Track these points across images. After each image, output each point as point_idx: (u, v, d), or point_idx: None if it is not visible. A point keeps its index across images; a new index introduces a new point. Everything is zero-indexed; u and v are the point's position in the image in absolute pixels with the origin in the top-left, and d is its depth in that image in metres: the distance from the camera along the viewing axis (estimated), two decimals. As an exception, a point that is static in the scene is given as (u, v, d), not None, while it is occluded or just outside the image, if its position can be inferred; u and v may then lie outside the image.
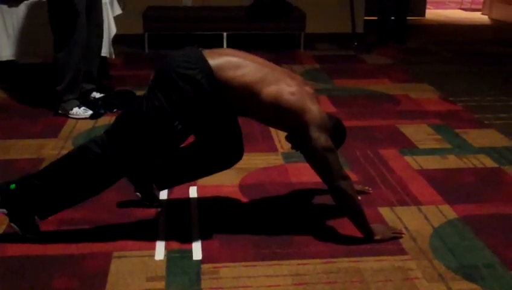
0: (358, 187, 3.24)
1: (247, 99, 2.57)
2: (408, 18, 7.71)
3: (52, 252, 2.63)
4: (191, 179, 3.08)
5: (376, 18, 7.42)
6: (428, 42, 7.58)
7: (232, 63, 2.57)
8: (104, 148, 2.58)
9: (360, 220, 2.73)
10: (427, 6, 9.66)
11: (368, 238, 2.73)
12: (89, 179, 2.63)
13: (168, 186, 3.07)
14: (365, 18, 7.64)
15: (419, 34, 8.08)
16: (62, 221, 2.88)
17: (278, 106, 2.57)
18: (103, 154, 2.57)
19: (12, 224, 2.70)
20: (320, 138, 2.58)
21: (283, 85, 2.60)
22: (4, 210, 2.67)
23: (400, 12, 7.29)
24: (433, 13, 9.92)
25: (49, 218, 2.79)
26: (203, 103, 2.53)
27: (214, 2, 7.28)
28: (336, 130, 2.74)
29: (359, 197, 3.11)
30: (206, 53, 2.58)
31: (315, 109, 2.62)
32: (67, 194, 2.68)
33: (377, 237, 2.74)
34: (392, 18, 7.34)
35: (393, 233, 2.79)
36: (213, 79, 2.51)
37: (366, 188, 3.27)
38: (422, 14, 9.33)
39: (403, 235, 2.79)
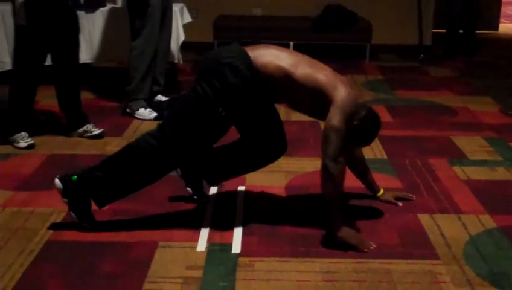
0: (401, 194, 3.32)
1: (282, 81, 2.75)
2: (480, 31, 7.64)
3: (103, 239, 2.85)
4: (239, 173, 3.23)
5: (444, 31, 7.40)
6: (498, 56, 7.48)
7: (270, 53, 2.80)
8: (158, 139, 2.81)
9: (333, 207, 2.77)
10: (501, 19, 9.50)
11: (332, 230, 2.79)
12: (145, 168, 2.87)
13: (218, 181, 3.26)
14: (433, 30, 7.62)
15: (490, 47, 7.97)
16: (115, 212, 3.10)
17: (310, 83, 2.74)
18: (158, 145, 2.81)
19: (71, 213, 2.94)
20: (335, 117, 2.69)
21: (318, 69, 2.79)
22: (65, 199, 2.91)
23: (468, 26, 7.25)
24: (506, 27, 9.73)
25: (104, 208, 3.03)
26: (243, 88, 2.73)
27: (282, 13, 7.45)
28: (368, 120, 2.80)
29: (400, 203, 3.22)
30: (246, 48, 2.81)
31: (344, 90, 2.73)
32: (125, 183, 2.91)
33: (340, 234, 2.76)
34: (461, 31, 7.30)
35: (358, 243, 2.77)
36: (251, 65, 2.73)
37: (410, 195, 3.33)
38: (495, 27, 9.19)
39: (370, 248, 2.77)
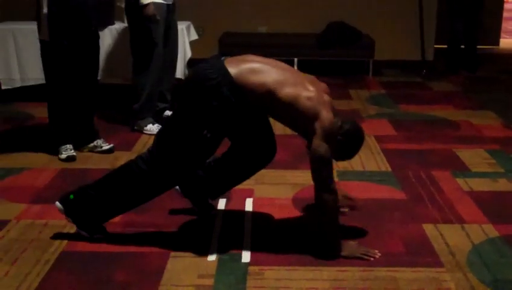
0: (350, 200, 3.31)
1: (265, 99, 2.73)
2: (481, 47, 7.75)
3: (116, 250, 2.93)
4: (236, 183, 3.22)
5: (446, 46, 7.51)
6: (499, 71, 7.59)
7: (253, 69, 2.75)
8: (148, 164, 2.88)
9: (331, 233, 2.86)
10: (502, 35, 9.62)
11: (334, 253, 2.85)
12: (135, 191, 2.95)
13: (218, 194, 3.34)
14: (435, 46, 7.73)
15: (491, 63, 8.08)
16: (128, 223, 3.19)
17: (294, 108, 2.73)
18: (148, 169, 2.88)
19: (79, 230, 3.02)
20: (321, 147, 2.71)
21: (301, 89, 2.76)
22: (69, 219, 3.00)
23: (470, 41, 7.36)
24: (507, 42, 9.86)
25: (117, 221, 3.13)
26: (226, 109, 2.74)
27: (286, 29, 7.58)
28: (351, 135, 2.85)
29: (411, 215, 3.29)
30: (228, 61, 2.77)
31: (327, 117, 2.73)
32: (117, 203, 2.99)
33: (344, 253, 2.85)
34: (462, 47, 7.41)
35: (363, 253, 2.86)
36: (233, 86, 2.70)
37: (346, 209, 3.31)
38: (496, 43, 9.31)
39: (376, 256, 2.86)
